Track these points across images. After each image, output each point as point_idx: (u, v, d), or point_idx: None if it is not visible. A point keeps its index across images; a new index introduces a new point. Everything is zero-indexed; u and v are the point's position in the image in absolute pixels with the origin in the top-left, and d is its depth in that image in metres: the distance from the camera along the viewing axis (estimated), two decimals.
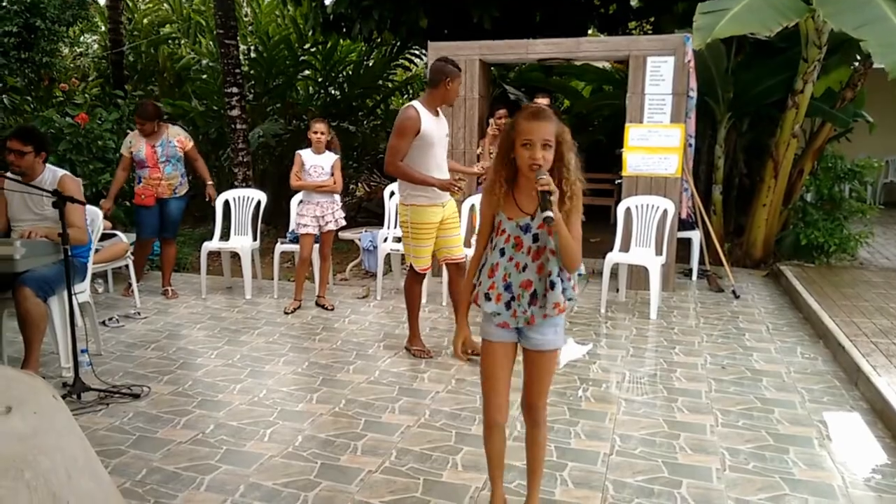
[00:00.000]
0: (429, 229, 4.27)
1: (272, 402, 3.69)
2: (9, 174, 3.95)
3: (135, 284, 5.63)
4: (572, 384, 3.95)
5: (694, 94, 6.08)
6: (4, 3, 6.35)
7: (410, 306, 4.45)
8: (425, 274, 4.42)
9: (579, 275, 4.76)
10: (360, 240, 6.72)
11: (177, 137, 5.87)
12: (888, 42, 5.10)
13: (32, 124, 6.13)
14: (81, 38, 12.45)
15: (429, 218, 4.24)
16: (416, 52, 10.98)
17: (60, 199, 3.59)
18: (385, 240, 6.07)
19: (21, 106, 8.55)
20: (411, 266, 4.37)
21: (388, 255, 6.02)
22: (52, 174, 4.06)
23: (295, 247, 5.87)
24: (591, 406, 3.64)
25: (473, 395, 3.78)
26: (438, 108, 4.25)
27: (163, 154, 5.75)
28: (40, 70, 7.57)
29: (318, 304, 5.63)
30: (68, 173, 4.14)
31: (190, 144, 5.96)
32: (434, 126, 4.16)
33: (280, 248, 6.00)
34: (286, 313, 5.41)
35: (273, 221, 8.42)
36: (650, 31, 10.23)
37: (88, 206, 4.30)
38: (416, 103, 4.13)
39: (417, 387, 3.92)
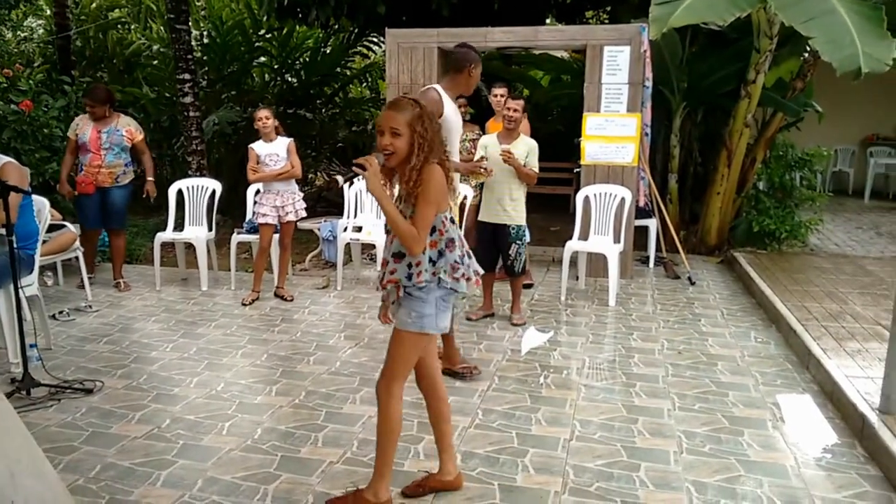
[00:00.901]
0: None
1: (230, 395, 3.62)
2: None
3: (85, 277, 5.45)
4: (533, 371, 3.97)
5: (650, 83, 6.15)
6: None
7: None
8: None
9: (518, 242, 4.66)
10: (319, 230, 6.64)
11: (126, 127, 5.68)
12: (834, 38, 5.23)
13: None
14: (25, 22, 11.97)
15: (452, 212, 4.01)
16: (375, 40, 10.86)
17: (2, 188, 3.44)
18: (345, 229, 6.01)
19: None
20: None
21: (348, 244, 5.96)
22: None
23: (252, 237, 5.77)
24: (552, 393, 3.67)
25: None
26: None
27: (107, 140, 5.56)
28: None
29: (276, 295, 5.54)
30: (12, 160, 3.97)
31: (139, 137, 5.77)
32: (454, 112, 3.80)
33: (237, 238, 5.88)
34: (244, 304, 5.31)
35: (229, 211, 8.25)
36: (607, 21, 10.32)
37: (35, 196, 4.14)
38: (437, 86, 3.80)
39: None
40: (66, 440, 3.09)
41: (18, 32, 11.71)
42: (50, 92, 7.47)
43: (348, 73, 11.18)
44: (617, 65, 5.98)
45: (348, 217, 6.15)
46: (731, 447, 3.07)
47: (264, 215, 5.42)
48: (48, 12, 11.27)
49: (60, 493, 1.54)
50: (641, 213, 6.50)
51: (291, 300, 5.44)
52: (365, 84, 12.21)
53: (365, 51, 11.25)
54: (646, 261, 6.84)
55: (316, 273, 6.46)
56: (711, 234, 7.39)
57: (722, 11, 5.62)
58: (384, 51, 11.61)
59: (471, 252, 2.57)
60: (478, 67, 3.86)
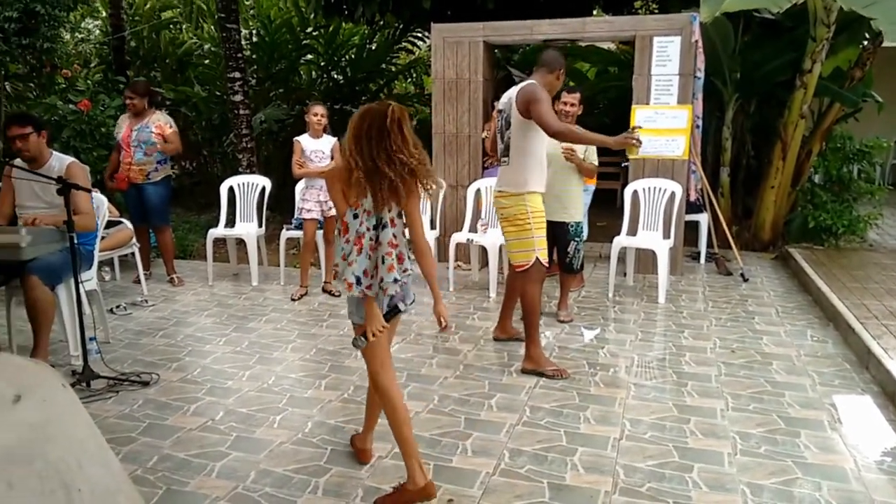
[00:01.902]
0: (543, 215, 3.90)
1: (281, 388, 3.69)
2: (16, 162, 3.93)
3: (141, 272, 5.62)
4: (581, 368, 3.93)
5: (701, 74, 6.01)
6: None
7: (532, 315, 3.89)
8: (545, 271, 4.00)
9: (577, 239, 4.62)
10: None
11: (156, 123, 5.73)
12: None
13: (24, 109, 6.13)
14: (83, 24, 12.36)
15: (541, 203, 3.90)
16: (419, 35, 10.88)
17: (65, 186, 3.57)
18: None
19: (24, 93, 8.52)
20: (535, 263, 3.84)
21: None
22: (59, 162, 4.04)
23: (300, 233, 5.85)
24: (601, 391, 3.62)
25: (482, 380, 3.77)
26: None
27: (136, 138, 5.66)
28: (42, 56, 7.52)
29: (324, 291, 5.62)
30: (76, 160, 4.12)
31: (169, 130, 5.77)
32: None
33: (286, 234, 5.98)
34: (293, 300, 5.40)
35: (278, 208, 8.40)
36: (656, 11, 10.10)
37: (95, 194, 4.28)
38: (533, 81, 3.79)
39: (426, 373, 3.91)
40: (124, 431, 3.19)
41: (76, 34, 12.10)
42: (106, 91, 7.71)
43: (393, 69, 11.22)
44: (667, 55, 5.86)
45: None
46: (788, 449, 2.98)
47: (308, 210, 5.49)
48: (104, 14, 11.61)
49: (124, 482, 1.59)
50: (692, 207, 6.36)
51: (339, 296, 5.51)
52: (410, 80, 12.24)
53: (410, 46, 11.28)
54: (697, 257, 6.70)
55: None
56: (765, 230, 7.20)
57: None
58: (429, 46, 11.62)
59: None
60: (564, 73, 3.92)
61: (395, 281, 2.49)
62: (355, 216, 2.52)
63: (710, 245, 6.65)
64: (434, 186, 2.54)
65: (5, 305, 4.14)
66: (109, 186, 5.89)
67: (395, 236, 2.51)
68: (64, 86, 8.24)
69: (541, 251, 3.85)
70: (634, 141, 3.92)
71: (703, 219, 6.56)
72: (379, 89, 11.19)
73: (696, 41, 5.81)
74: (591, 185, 5.74)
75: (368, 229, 2.50)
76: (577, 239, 4.68)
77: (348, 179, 2.49)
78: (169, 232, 6.02)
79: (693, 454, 2.94)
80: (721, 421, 3.26)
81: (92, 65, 11.35)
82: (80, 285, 3.67)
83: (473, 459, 2.90)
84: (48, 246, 3.73)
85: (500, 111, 4.01)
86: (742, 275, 5.95)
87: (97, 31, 12.54)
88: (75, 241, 3.61)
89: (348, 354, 4.20)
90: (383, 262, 2.48)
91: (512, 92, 3.87)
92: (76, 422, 1.54)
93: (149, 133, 5.69)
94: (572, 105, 4.64)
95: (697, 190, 6.33)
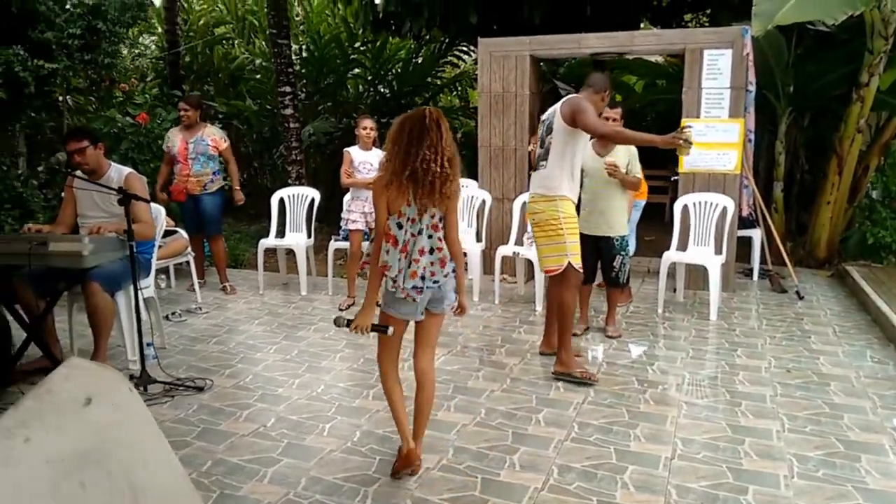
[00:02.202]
0: (577, 225, 3.94)
1: (330, 397, 3.73)
2: (78, 173, 4.09)
3: (195, 280, 5.77)
4: (630, 385, 3.88)
5: (753, 87, 5.90)
6: (68, 7, 6.58)
7: (565, 320, 3.95)
8: (581, 276, 4.06)
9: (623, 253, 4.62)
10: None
11: (211, 136, 5.93)
12: None
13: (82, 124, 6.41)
14: (140, 40, 12.81)
15: (574, 211, 3.94)
16: (465, 49, 10.96)
17: (126, 197, 3.70)
18: None
19: (85, 106, 8.86)
20: (568, 268, 3.88)
21: None
22: (118, 173, 4.18)
23: (348, 244, 5.92)
24: (651, 408, 3.56)
25: (529, 394, 3.75)
26: None
27: (193, 151, 5.84)
28: (102, 71, 7.83)
29: None
30: (133, 171, 4.27)
31: (224, 145, 5.99)
32: None
33: (334, 245, 6.06)
34: (340, 310, 5.46)
35: (324, 219, 8.53)
36: (706, 24, 9.98)
37: (152, 204, 4.41)
38: (580, 95, 3.93)
39: (472, 385, 3.90)
40: (179, 435, 3.27)
41: (133, 49, 12.56)
42: (163, 105, 7.97)
43: (439, 82, 11.32)
44: (718, 69, 5.77)
45: None
46: (847, 473, 2.88)
47: (354, 221, 5.56)
48: (160, 30, 12.02)
49: (186, 486, 1.63)
50: (745, 222, 6.22)
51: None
52: (455, 93, 12.33)
53: (455, 60, 11.37)
54: (749, 273, 6.55)
55: None
56: (821, 246, 7.00)
57: (833, 10, 5.34)
58: (474, 60, 11.70)
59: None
60: (609, 96, 4.07)
61: (414, 288, 2.67)
62: (399, 225, 2.69)
63: (763, 261, 6.49)
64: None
65: (67, 311, 4.31)
66: (161, 199, 6.06)
67: (434, 241, 2.69)
68: (121, 99, 8.56)
69: (573, 256, 3.89)
70: (682, 141, 3.75)
71: (756, 234, 6.41)
72: (424, 102, 11.28)
73: (748, 54, 5.71)
74: (642, 200, 5.67)
75: (413, 236, 2.68)
76: (622, 253, 4.64)
77: (393, 186, 2.64)
78: (222, 241, 6.20)
79: (748, 476, 2.87)
80: (777, 442, 3.17)
81: (148, 79, 11.75)
82: (139, 292, 3.79)
83: (521, 474, 2.88)
84: (109, 254, 3.85)
85: (542, 121, 4.06)
86: (797, 292, 5.78)
87: (153, 47, 12.99)
88: (135, 250, 3.74)
89: None
90: (409, 268, 2.66)
91: (557, 104, 3.95)
92: (142, 425, 1.59)
93: (206, 146, 5.87)
94: (614, 120, 4.62)
95: (750, 205, 6.19)
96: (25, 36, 6.18)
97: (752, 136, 6.13)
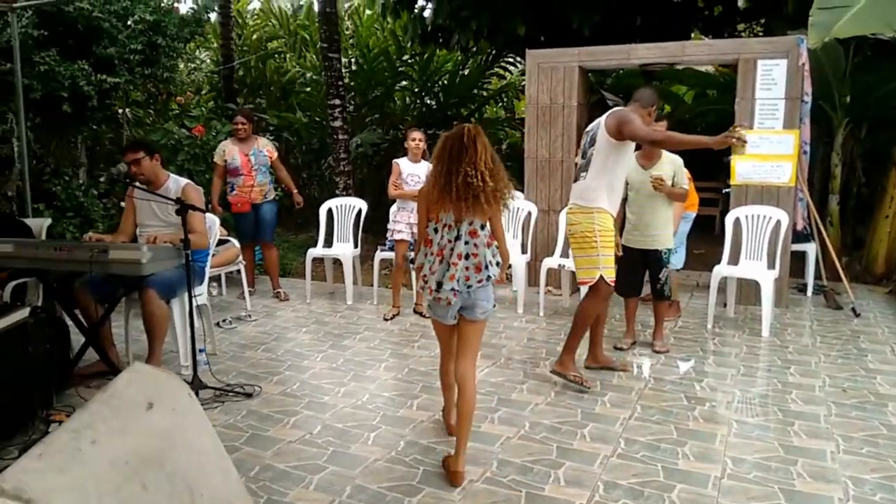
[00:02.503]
0: (612, 238, 3.94)
1: (374, 406, 3.77)
2: (137, 183, 4.25)
3: (246, 288, 5.92)
4: (678, 402, 3.81)
5: (809, 98, 5.75)
6: (130, 23, 6.85)
7: (581, 327, 4.03)
8: (612, 291, 4.05)
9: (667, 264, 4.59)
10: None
11: (266, 147, 6.20)
12: None
13: (140, 136, 6.68)
14: (196, 54, 13.22)
15: (612, 226, 3.92)
16: (511, 60, 10.98)
17: (183, 207, 3.82)
18: None
19: (143, 119, 9.19)
20: (600, 281, 3.89)
21: None
22: (175, 183, 4.33)
23: (393, 254, 5.98)
24: (700, 426, 3.49)
25: (574, 408, 3.72)
26: None
27: (256, 162, 6.05)
28: (160, 85, 8.12)
29: (415, 312, 5.71)
30: (191, 182, 4.41)
31: (275, 155, 6.29)
32: None
33: (379, 255, 6.13)
34: (385, 319, 5.52)
35: (370, 229, 8.63)
36: (760, 34, 9.78)
37: (207, 214, 4.55)
38: (627, 109, 3.93)
39: (516, 398, 3.89)
40: (229, 440, 3.34)
41: (189, 63, 12.98)
42: (217, 118, 8.21)
43: (485, 94, 11.36)
44: (772, 79, 5.65)
45: None
46: None
47: (399, 232, 5.62)
48: (215, 44, 12.39)
49: (240, 491, 1.67)
50: (799, 236, 6.05)
51: (428, 317, 5.57)
52: (500, 104, 12.34)
53: (501, 72, 11.39)
54: (803, 289, 6.36)
55: None
56: (878, 262, 6.76)
57: (892, 21, 5.17)
58: (521, 71, 11.72)
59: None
60: (656, 112, 4.05)
61: (452, 290, 2.86)
62: (436, 230, 2.92)
63: (818, 277, 6.30)
64: (511, 198, 2.92)
65: (124, 317, 4.46)
66: (218, 212, 6.20)
67: (473, 247, 2.88)
68: (177, 112, 8.85)
69: (605, 269, 3.87)
70: (736, 140, 3.67)
71: (811, 249, 6.23)
72: (470, 114, 11.34)
73: (804, 64, 5.58)
74: (692, 212, 5.57)
75: (449, 241, 2.87)
76: (669, 265, 4.58)
77: (434, 197, 2.87)
78: (276, 249, 6.40)
79: (801, 497, 2.78)
80: (831, 464, 3.08)
81: (203, 92, 12.12)
82: (193, 299, 3.91)
83: (566, 489, 2.86)
84: (166, 262, 3.98)
85: (586, 132, 4.05)
86: (853, 309, 5.59)
87: (208, 61, 13.40)
88: (190, 259, 3.86)
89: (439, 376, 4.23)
90: (448, 270, 2.85)
91: (602, 116, 3.93)
92: (200, 430, 1.65)
93: (264, 157, 6.12)
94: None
95: (805, 218, 6.02)
96: (90, 51, 6.46)
97: (808, 148, 5.97)
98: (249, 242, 6.25)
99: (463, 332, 3.01)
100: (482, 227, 2.89)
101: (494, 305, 3.06)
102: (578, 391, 3.94)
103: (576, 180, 4.06)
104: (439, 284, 2.86)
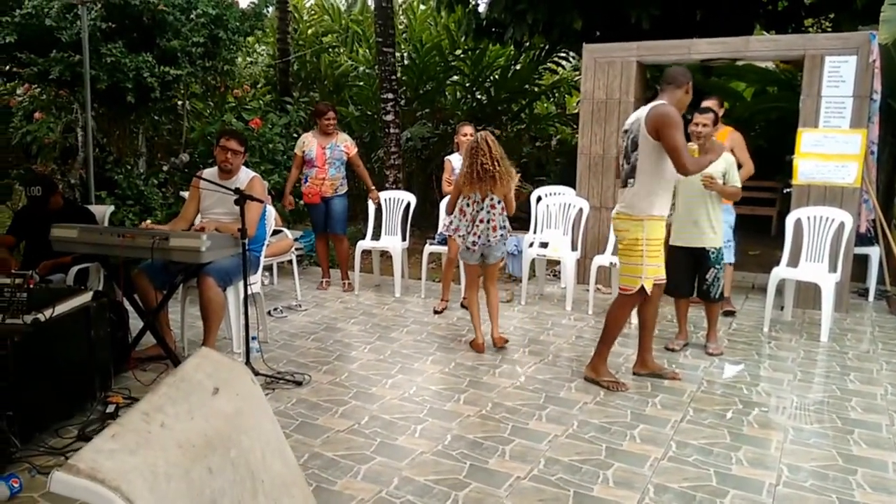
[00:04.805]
0: (660, 246, 3.86)
1: (421, 399, 3.79)
2: (205, 173, 4.37)
3: (296, 278, 6.02)
4: (732, 406, 3.72)
5: (878, 96, 5.53)
6: (192, 17, 7.01)
7: (612, 333, 3.99)
8: (660, 293, 4.00)
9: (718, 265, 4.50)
10: (505, 244, 6.73)
11: (344, 143, 6.26)
12: None
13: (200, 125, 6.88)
14: (254, 48, 13.48)
15: (660, 233, 3.85)
16: (564, 55, 10.87)
17: (241, 198, 3.91)
18: (531, 245, 6.05)
19: (203, 111, 9.41)
20: (639, 290, 3.84)
21: (533, 260, 6.00)
22: (246, 175, 4.46)
23: (442, 248, 6.00)
24: (754, 431, 3.40)
25: (624, 409, 3.67)
26: None
27: (331, 156, 6.14)
28: (219, 77, 8.30)
29: (462, 306, 5.71)
30: (258, 176, 4.52)
31: (354, 150, 6.33)
32: None
33: (428, 248, 6.16)
34: (435, 312, 5.54)
35: (417, 223, 8.67)
36: (829, 29, 9.43)
37: (265, 206, 4.64)
38: (664, 102, 3.71)
39: (565, 396, 3.87)
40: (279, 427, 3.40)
41: (247, 57, 13.24)
42: (273, 110, 8.35)
43: (536, 89, 11.28)
44: (840, 76, 5.45)
45: (534, 232, 6.19)
46: None
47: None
48: (272, 39, 12.62)
49: (299, 478, 1.71)
50: (862, 240, 5.84)
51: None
52: (552, 100, 12.24)
53: (554, 66, 11.29)
54: (865, 294, 6.13)
55: (500, 287, 6.55)
56: None
57: None
58: (573, 66, 11.59)
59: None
60: (692, 87, 3.84)
61: (474, 242, 4.46)
62: (467, 204, 4.47)
63: (881, 282, 6.07)
64: (517, 175, 4.54)
65: (180, 303, 4.59)
66: (289, 202, 6.33)
67: (491, 215, 4.44)
68: (234, 104, 9.03)
69: (647, 280, 3.80)
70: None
71: (875, 252, 6.00)
72: (520, 109, 11.28)
73: (874, 61, 5.36)
74: (728, 204, 5.36)
75: (476, 211, 4.44)
76: (717, 266, 4.45)
77: (465, 182, 4.41)
78: (346, 241, 6.49)
79: None
80: (893, 475, 2.96)
81: (259, 85, 12.36)
82: (248, 288, 3.99)
83: (615, 491, 2.83)
84: (223, 251, 4.08)
85: (625, 131, 3.90)
86: None
87: (264, 55, 13.65)
88: (246, 248, 3.94)
89: (486, 371, 4.24)
90: (488, 226, 4.44)
91: (640, 112, 3.77)
92: (262, 415, 1.68)
93: (341, 151, 6.20)
94: (705, 125, 4.39)
95: (869, 221, 5.80)
96: (154, 44, 6.64)
97: (875, 149, 5.75)
98: (322, 233, 6.36)
99: (486, 271, 4.62)
100: (499, 202, 4.44)
101: (504, 255, 4.92)
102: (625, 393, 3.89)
103: (623, 185, 3.89)
104: (468, 238, 4.45)
